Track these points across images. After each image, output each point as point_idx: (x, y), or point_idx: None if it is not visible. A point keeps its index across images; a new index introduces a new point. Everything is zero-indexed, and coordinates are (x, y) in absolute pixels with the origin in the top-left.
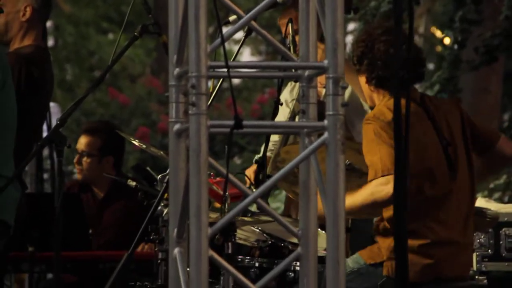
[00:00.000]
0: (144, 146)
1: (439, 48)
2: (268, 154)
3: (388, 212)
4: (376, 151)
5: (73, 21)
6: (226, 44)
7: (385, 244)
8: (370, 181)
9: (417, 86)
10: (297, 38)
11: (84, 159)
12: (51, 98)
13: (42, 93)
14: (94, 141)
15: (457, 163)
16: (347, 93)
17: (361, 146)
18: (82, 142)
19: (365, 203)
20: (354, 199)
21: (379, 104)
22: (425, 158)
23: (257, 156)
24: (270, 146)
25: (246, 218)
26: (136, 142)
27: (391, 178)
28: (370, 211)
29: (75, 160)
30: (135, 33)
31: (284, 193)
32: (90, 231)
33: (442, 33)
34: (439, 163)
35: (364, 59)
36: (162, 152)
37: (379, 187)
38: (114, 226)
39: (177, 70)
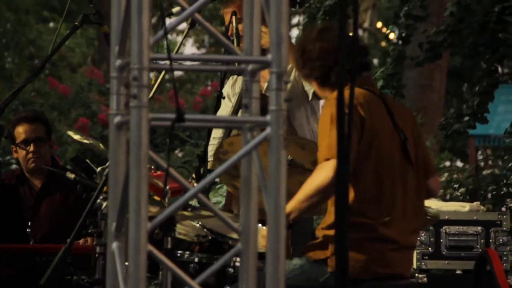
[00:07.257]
0: (80, 138)
1: (384, 44)
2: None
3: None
4: (326, 135)
5: (13, 8)
6: (169, 35)
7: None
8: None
9: None
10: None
11: (38, 145)
12: None
13: None
14: (40, 127)
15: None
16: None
17: (304, 141)
18: (29, 129)
19: (309, 192)
20: (301, 190)
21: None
22: (381, 148)
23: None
24: (213, 141)
25: (186, 213)
26: (73, 135)
27: (332, 161)
28: (316, 200)
29: (31, 149)
30: (76, 23)
31: (225, 187)
32: (29, 223)
33: (387, 28)
34: (393, 158)
35: (303, 63)
36: (101, 145)
37: (320, 171)
38: (52, 217)
39: (118, 62)
